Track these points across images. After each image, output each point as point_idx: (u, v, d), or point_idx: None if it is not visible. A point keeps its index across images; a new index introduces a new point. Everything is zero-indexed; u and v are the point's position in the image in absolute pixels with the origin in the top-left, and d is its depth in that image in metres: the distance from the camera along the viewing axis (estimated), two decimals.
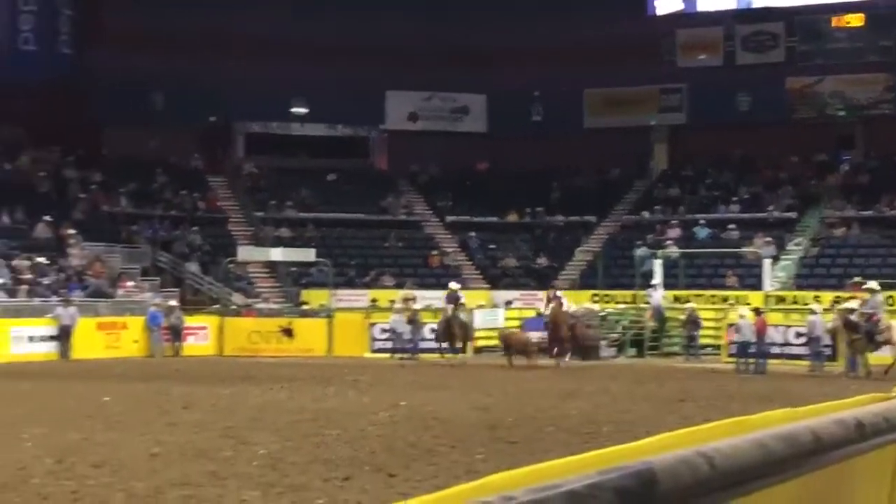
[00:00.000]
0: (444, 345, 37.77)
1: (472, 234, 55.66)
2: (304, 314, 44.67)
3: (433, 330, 39.78)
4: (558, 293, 38.89)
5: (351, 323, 42.28)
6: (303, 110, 58.81)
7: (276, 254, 49.20)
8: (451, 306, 38.04)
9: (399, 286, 49.52)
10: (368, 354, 39.99)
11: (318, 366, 34.75)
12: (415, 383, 27.80)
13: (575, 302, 43.35)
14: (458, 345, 37.94)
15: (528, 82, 57.72)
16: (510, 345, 35.96)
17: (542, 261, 54.06)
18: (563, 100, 58.63)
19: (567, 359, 35.70)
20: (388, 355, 39.59)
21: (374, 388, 26.15)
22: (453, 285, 40.30)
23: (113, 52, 53.26)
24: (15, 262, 41.93)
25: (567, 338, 36.04)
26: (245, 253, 49.45)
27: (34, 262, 42.26)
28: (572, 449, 14.09)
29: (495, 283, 52.38)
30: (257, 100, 56.22)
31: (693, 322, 39.52)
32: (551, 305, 36.47)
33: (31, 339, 37.90)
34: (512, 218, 57.02)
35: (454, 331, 37.60)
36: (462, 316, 38.24)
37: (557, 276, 52.59)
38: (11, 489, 12.50)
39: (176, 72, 53.29)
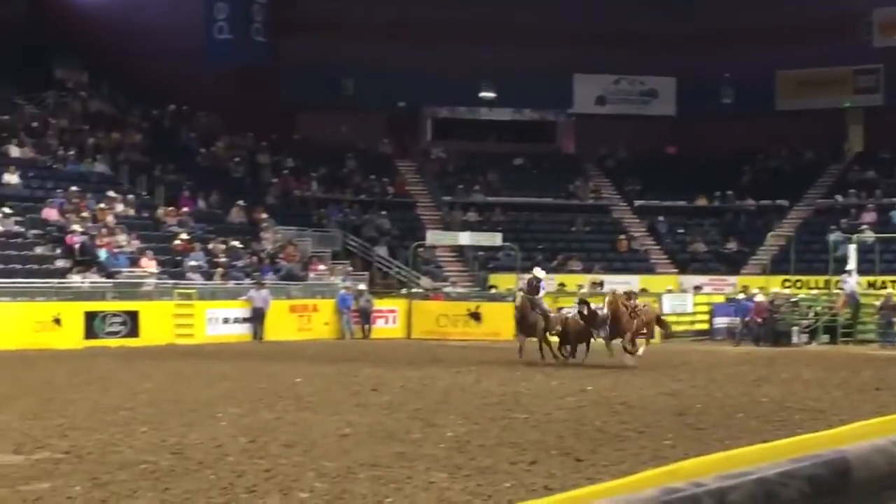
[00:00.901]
0: (525, 340, 30.85)
1: (661, 218, 55.11)
2: (492, 298, 44.79)
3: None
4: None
5: None
6: (490, 95, 58.91)
7: (464, 238, 49.41)
8: (528, 295, 31.38)
9: (586, 271, 49.38)
10: (555, 339, 39.88)
11: (505, 349, 34.80)
12: (601, 368, 27.65)
13: (766, 287, 42.64)
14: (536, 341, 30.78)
15: (718, 64, 56.75)
16: (568, 333, 29.80)
17: (732, 245, 53.28)
18: (754, 81, 57.47)
19: (640, 351, 28.88)
20: None
21: (561, 373, 26.10)
22: (538, 272, 32.72)
23: (305, 39, 54.23)
24: (210, 246, 42.98)
25: (630, 328, 28.59)
26: (433, 237, 49.80)
27: (228, 245, 43.26)
28: (763, 436, 13.87)
29: (684, 267, 51.80)
30: (445, 85, 56.48)
31: (891, 308, 38.47)
32: (607, 299, 29.29)
33: (225, 321, 38.83)
34: (701, 202, 56.26)
35: (529, 322, 30.53)
36: (544, 305, 31.07)
37: (748, 261, 51.80)
38: (208, 466, 12.82)
39: (366, 57, 53.95)
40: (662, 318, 32.30)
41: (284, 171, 53.17)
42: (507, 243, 48.73)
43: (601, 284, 45.17)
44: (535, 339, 30.69)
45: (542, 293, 31.57)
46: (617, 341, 28.69)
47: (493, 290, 46.68)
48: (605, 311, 28.37)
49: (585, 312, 28.83)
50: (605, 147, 59.79)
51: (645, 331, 29.37)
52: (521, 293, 33.09)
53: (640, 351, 28.64)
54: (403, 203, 54.77)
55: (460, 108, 60.23)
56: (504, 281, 46.98)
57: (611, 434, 15.69)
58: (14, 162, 43.07)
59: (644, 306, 30.17)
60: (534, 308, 30.81)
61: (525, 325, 30.98)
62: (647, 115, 60.37)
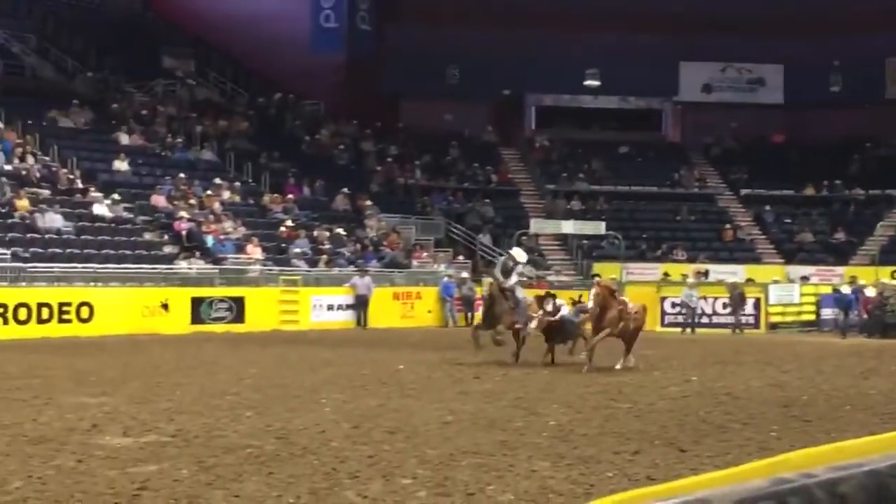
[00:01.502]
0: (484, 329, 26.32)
1: (767, 207, 54.48)
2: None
3: (725, 304, 39.30)
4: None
5: (642, 296, 41.88)
6: (595, 82, 58.64)
7: (567, 226, 49.30)
8: (503, 279, 26.04)
9: (691, 260, 49.00)
10: (659, 328, 39.68)
11: (607, 339, 34.63)
12: (706, 358, 27.41)
13: (874, 279, 41.95)
14: (494, 330, 25.97)
15: (826, 51, 55.92)
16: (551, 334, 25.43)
17: (840, 235, 52.51)
18: (863, 69, 56.55)
19: (630, 362, 24.28)
20: (678, 330, 39.29)
21: (665, 363, 25.91)
22: (517, 253, 27.62)
23: (409, 27, 54.41)
24: (315, 233, 43.33)
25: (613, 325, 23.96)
26: (537, 225, 49.75)
27: (333, 232, 43.57)
28: (871, 429, 13.67)
29: (790, 258, 51.16)
30: (550, 72, 56.32)
31: None
32: (594, 291, 24.53)
33: (329, 307, 39.12)
34: (809, 191, 55.51)
35: (495, 313, 25.87)
36: (519, 295, 26.05)
37: (856, 251, 51.02)
38: (312, 452, 12.92)
39: (471, 45, 54.00)
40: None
41: (388, 158, 53.41)
42: (611, 232, 48.51)
43: (706, 274, 44.91)
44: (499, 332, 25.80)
45: (514, 279, 26.14)
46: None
47: (596, 279, 46.44)
48: (592, 305, 24.05)
49: (549, 308, 25.08)
50: (710, 135, 59.25)
51: (628, 335, 24.35)
52: (493, 279, 27.03)
53: (631, 362, 23.95)
54: (507, 191, 54.76)
55: (564, 95, 60.01)
56: (608, 270, 46.68)
57: (715, 425, 15.55)
58: (123, 149, 43.76)
59: (635, 311, 24.66)
60: (506, 297, 25.74)
61: (490, 315, 26.03)
62: (754, 103, 59.68)
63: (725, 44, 56.22)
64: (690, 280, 42.26)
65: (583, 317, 25.71)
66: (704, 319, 40.32)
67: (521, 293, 26.58)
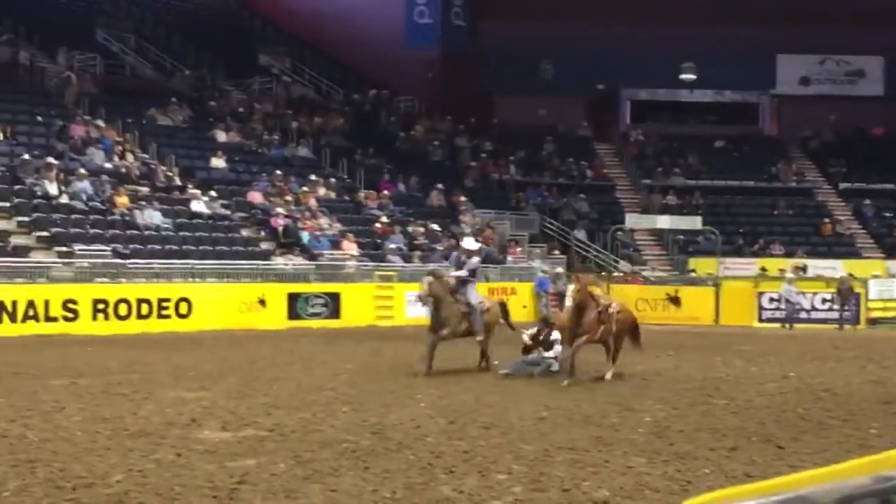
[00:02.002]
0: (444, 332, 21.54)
1: (867, 201, 53.64)
2: (691, 282, 44.29)
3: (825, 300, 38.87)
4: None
5: (739, 291, 41.63)
6: (691, 77, 58.19)
7: (663, 221, 48.98)
8: (457, 273, 21.91)
9: (789, 255, 48.42)
10: (756, 324, 39.31)
11: (704, 334, 34.41)
12: (805, 354, 27.09)
13: None
14: (445, 333, 21.50)
15: None
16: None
17: None
18: None
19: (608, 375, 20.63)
20: (777, 325, 38.89)
21: (763, 359, 25.66)
22: (468, 243, 23.91)
23: (503, 23, 54.32)
24: (410, 229, 43.46)
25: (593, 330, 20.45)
26: (632, 221, 49.50)
27: (427, 228, 43.68)
28: None
29: (891, 252, 50.34)
30: (645, 66, 55.99)
31: None
32: (572, 287, 21.94)
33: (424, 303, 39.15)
34: None
35: (440, 316, 21.54)
36: (471, 296, 21.73)
37: None
38: (407, 447, 12.97)
39: (564, 40, 53.80)
40: (637, 326, 22.59)
41: (483, 154, 53.43)
42: (708, 227, 48.14)
43: (804, 269, 44.36)
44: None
45: (464, 273, 21.88)
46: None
47: (692, 275, 46.14)
48: (568, 303, 21.57)
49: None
50: (808, 128, 58.48)
51: (611, 341, 21.06)
52: (431, 277, 21.91)
53: (609, 375, 20.52)
54: (602, 186, 54.53)
55: (660, 90, 59.63)
56: (704, 265, 46.36)
57: (814, 422, 15.37)
58: (221, 146, 44.21)
59: (618, 311, 21.39)
60: (455, 298, 21.55)
61: (435, 320, 21.75)
62: (853, 95, 58.81)
63: (824, 35, 55.41)
64: (789, 275, 41.79)
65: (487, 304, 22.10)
66: (803, 315, 39.84)
67: (475, 295, 21.90)
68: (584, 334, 20.20)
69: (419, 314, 38.22)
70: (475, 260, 22.42)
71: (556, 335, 21.43)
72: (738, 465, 12.01)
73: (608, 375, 20.55)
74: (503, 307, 23.25)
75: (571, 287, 20.83)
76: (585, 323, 20.24)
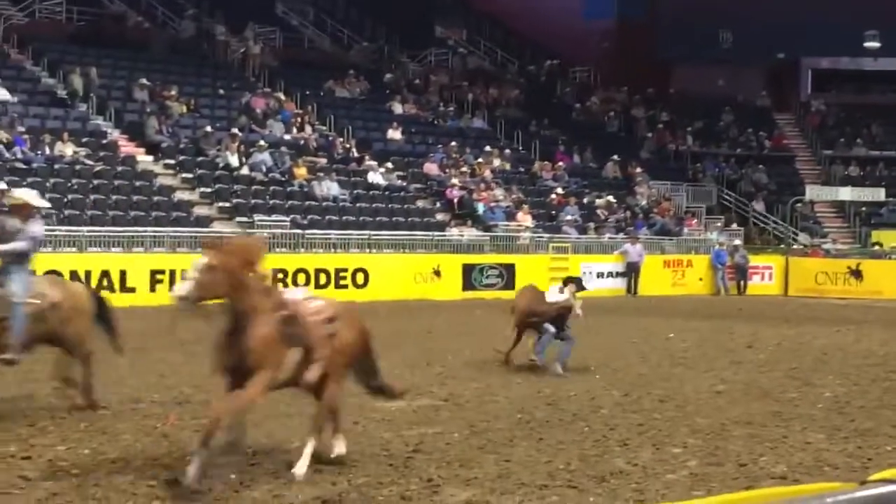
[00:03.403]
0: None
1: None
2: (874, 255, 43.22)
3: None
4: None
5: None
6: (875, 45, 56.64)
7: (845, 193, 47.91)
8: None
9: None
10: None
11: (887, 308, 33.57)
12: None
13: None
14: None
15: None
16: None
17: None
18: None
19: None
20: None
21: None
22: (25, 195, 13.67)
23: None
24: (585, 200, 43.29)
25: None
26: (812, 192, 48.51)
27: (603, 199, 43.46)
28: None
29: None
30: (826, 34, 54.65)
31: None
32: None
33: (599, 275, 39.06)
34: None
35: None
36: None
37: None
38: (581, 419, 12.98)
39: (744, 8, 52.90)
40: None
41: (659, 125, 52.86)
42: (892, 199, 46.96)
43: None
44: None
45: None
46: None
47: (876, 248, 45.02)
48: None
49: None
50: None
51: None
52: None
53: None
54: (781, 157, 53.50)
55: (843, 58, 58.16)
56: (888, 238, 45.20)
57: None
58: (397, 118, 44.57)
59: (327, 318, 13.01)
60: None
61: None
62: None
63: None
64: None
65: None
66: None
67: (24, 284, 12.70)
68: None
69: (594, 286, 38.19)
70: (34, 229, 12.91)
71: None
72: None
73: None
74: (99, 301, 14.04)
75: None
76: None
